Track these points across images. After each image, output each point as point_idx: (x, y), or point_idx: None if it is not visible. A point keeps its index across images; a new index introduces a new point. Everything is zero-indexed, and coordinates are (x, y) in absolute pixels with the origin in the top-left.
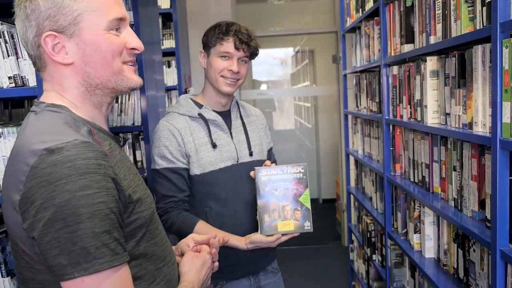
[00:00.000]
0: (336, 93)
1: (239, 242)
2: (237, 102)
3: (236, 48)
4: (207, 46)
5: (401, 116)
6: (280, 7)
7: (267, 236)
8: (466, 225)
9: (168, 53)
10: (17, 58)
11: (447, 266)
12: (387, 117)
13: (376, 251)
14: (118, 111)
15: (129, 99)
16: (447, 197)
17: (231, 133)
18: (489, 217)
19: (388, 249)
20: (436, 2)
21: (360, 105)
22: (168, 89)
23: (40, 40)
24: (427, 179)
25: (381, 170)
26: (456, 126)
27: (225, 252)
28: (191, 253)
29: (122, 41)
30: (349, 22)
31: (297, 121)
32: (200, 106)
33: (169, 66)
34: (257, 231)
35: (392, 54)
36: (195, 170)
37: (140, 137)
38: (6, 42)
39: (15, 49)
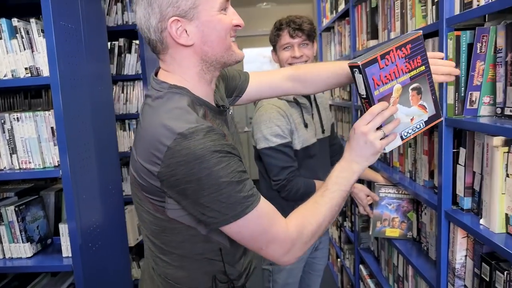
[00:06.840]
0: None
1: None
2: None
3: (292, 36)
4: (273, 44)
5: None
6: (267, 11)
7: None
8: (418, 192)
9: None
10: (32, 51)
11: None
12: (355, 104)
13: (347, 218)
14: (123, 100)
15: (133, 90)
16: (404, 170)
17: (312, 114)
18: (436, 184)
19: (356, 216)
20: (395, 2)
21: (334, 94)
22: None
23: (164, 25)
24: (388, 155)
25: None
26: None
27: None
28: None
29: (230, 19)
30: (325, 23)
31: None
32: None
33: None
34: None
35: (360, 48)
36: (297, 146)
37: None
38: (22, 37)
39: (30, 43)
